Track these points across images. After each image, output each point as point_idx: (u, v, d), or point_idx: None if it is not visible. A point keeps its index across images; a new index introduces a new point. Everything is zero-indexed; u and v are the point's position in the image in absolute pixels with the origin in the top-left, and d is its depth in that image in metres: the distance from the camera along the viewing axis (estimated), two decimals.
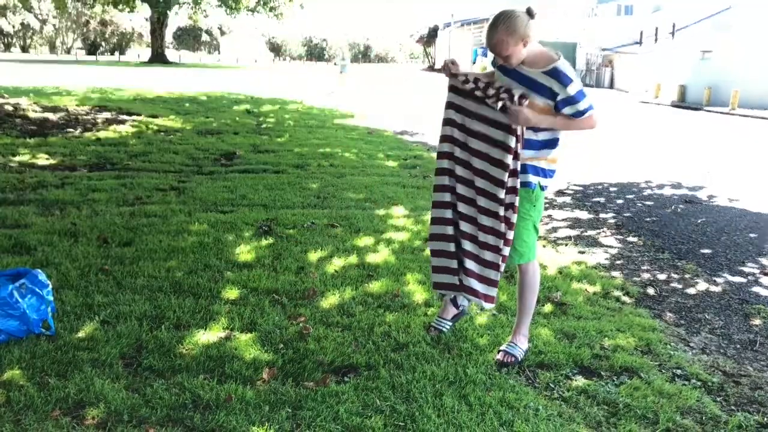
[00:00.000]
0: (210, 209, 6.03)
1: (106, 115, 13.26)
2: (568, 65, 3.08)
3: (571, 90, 3.03)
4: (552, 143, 3.23)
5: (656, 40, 35.95)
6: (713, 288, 4.73)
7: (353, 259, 4.77)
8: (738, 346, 3.77)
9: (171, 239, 4.98)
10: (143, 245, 4.81)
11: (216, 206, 6.16)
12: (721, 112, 22.62)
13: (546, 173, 3.28)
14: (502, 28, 3.00)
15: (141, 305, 3.71)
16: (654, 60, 32.12)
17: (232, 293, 4.00)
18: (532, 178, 3.25)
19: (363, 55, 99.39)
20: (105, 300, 3.78)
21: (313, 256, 4.78)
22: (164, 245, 4.82)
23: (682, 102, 26.55)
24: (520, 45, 3.02)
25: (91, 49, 77.37)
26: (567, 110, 3.07)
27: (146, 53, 62.00)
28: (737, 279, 4.94)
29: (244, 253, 4.78)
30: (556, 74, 3.02)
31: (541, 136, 3.20)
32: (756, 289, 4.74)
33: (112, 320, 3.52)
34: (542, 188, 3.30)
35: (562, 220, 6.59)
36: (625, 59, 37.17)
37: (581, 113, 3.08)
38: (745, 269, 5.18)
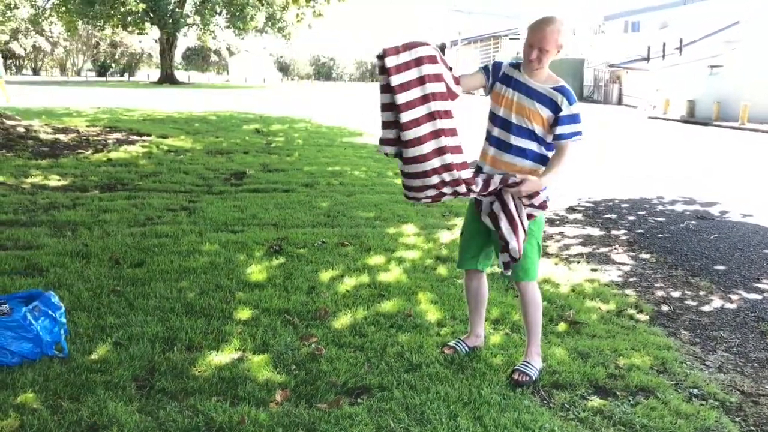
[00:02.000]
0: (221, 229, 6.04)
1: (117, 135, 13.35)
2: (571, 90, 3.27)
3: (575, 110, 3.20)
4: (546, 159, 3.27)
5: (664, 56, 35.94)
6: (728, 305, 4.68)
7: (364, 278, 4.76)
8: (755, 364, 3.72)
9: (182, 260, 4.98)
10: (155, 266, 4.81)
11: (227, 226, 6.17)
12: (731, 127, 22.54)
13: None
14: (554, 26, 3.14)
15: (153, 326, 3.71)
16: (662, 75, 32.11)
17: (243, 314, 3.99)
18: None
19: (371, 74, 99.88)
20: (117, 321, 3.78)
21: (325, 275, 4.77)
22: (175, 266, 4.83)
23: (692, 117, 26.48)
24: (555, 50, 3.15)
25: (101, 70, 78.28)
26: (566, 128, 3.18)
27: (156, 74, 62.57)
28: (752, 296, 4.89)
29: (256, 273, 4.77)
30: (564, 92, 3.20)
31: (544, 151, 3.25)
32: None
33: (124, 342, 3.52)
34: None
35: (574, 237, 6.56)
36: (633, 75, 37.19)
37: (575, 134, 3.19)
38: (761, 285, 5.13)
